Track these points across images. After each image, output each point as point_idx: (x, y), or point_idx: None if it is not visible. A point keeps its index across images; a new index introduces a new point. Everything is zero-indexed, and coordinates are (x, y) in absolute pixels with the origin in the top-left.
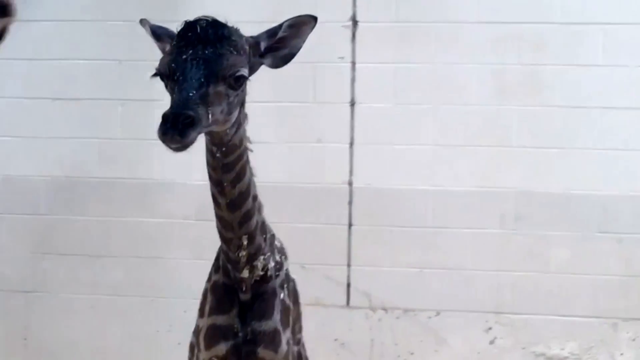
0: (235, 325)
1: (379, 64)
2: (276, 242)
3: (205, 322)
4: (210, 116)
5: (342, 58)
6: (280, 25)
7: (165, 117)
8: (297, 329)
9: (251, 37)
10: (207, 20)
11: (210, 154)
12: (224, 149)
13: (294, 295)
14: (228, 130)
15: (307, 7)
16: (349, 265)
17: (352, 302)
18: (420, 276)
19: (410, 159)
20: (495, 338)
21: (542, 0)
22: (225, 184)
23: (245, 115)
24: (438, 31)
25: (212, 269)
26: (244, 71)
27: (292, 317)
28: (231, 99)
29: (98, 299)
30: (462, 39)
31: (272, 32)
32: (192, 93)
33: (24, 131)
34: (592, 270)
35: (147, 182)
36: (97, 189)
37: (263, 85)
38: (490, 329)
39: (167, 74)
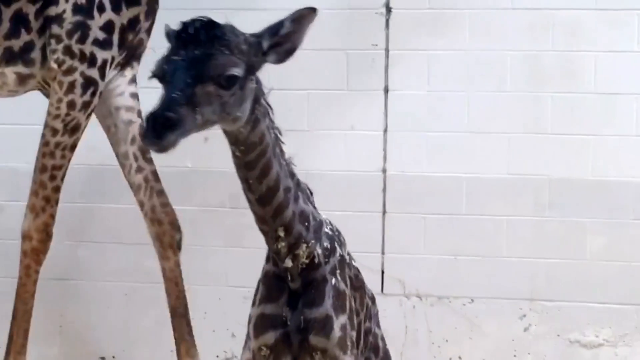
0: (284, 314)
1: (412, 51)
2: (325, 229)
3: (255, 311)
4: (199, 117)
5: (376, 45)
6: (281, 22)
7: (146, 119)
8: (363, 316)
9: (253, 35)
10: (201, 20)
11: (232, 153)
12: (242, 147)
13: (355, 281)
14: (242, 129)
15: None
16: (383, 252)
17: (386, 290)
18: (455, 263)
19: (444, 146)
20: (529, 325)
21: None
22: (250, 181)
23: (266, 111)
24: (472, 17)
25: (265, 258)
26: (235, 71)
27: (350, 303)
28: (225, 98)
29: (132, 287)
30: (496, 25)
31: (274, 30)
32: (177, 94)
33: None
34: (628, 257)
35: (181, 169)
36: None
37: (296, 73)
38: (524, 316)
39: (159, 75)
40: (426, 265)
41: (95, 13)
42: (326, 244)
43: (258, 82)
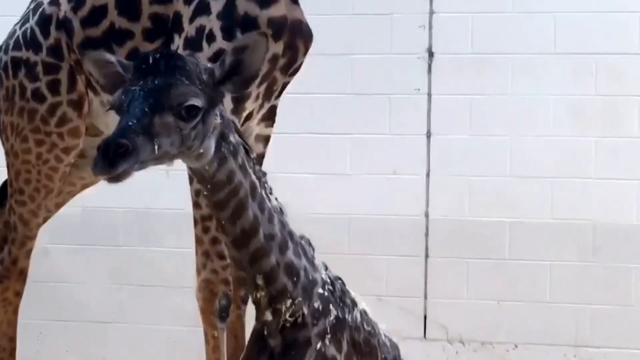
0: None
1: (455, 95)
2: (319, 289)
3: None
4: (156, 148)
5: (418, 90)
6: (226, 52)
7: (97, 147)
8: None
9: (210, 66)
10: (161, 52)
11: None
12: (209, 186)
13: (364, 346)
14: (207, 167)
15: (383, 40)
16: (425, 297)
17: (429, 335)
18: (498, 308)
19: (487, 190)
20: None
21: (620, 30)
22: (222, 221)
23: (236, 150)
24: (514, 62)
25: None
26: (195, 101)
27: None
28: (185, 131)
29: (175, 330)
30: (539, 70)
31: (222, 60)
32: (133, 122)
33: None
34: None
35: None
36: (172, 220)
37: (339, 118)
38: None
39: (117, 106)
40: (469, 311)
41: (205, 44)
42: (317, 304)
43: (223, 117)
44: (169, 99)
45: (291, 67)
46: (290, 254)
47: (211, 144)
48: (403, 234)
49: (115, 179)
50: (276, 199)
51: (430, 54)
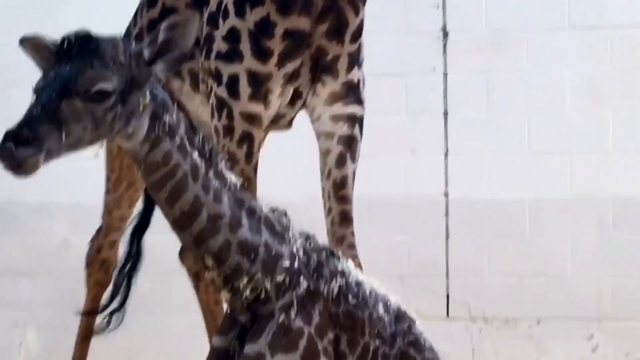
0: (232, 349)
1: (470, 74)
2: (285, 263)
3: (211, 343)
4: (64, 135)
5: (434, 69)
6: (158, 29)
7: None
8: (354, 357)
9: (135, 46)
10: (77, 35)
11: None
12: (142, 166)
13: (344, 319)
14: (139, 147)
15: (397, 20)
16: (447, 276)
17: (451, 313)
18: (520, 285)
19: (505, 167)
20: (597, 346)
21: (635, 3)
22: (159, 202)
23: (174, 130)
24: (529, 38)
25: None
26: (104, 85)
27: (312, 342)
28: (99, 114)
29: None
30: (554, 46)
31: (152, 38)
32: (37, 110)
33: None
34: None
35: None
36: None
37: None
38: (592, 336)
39: (35, 91)
40: (491, 288)
41: (220, 20)
42: (281, 278)
43: (156, 97)
44: (77, 84)
45: (342, 31)
46: (243, 232)
47: (141, 123)
48: (423, 214)
49: (19, 169)
50: (236, 175)
51: (445, 33)
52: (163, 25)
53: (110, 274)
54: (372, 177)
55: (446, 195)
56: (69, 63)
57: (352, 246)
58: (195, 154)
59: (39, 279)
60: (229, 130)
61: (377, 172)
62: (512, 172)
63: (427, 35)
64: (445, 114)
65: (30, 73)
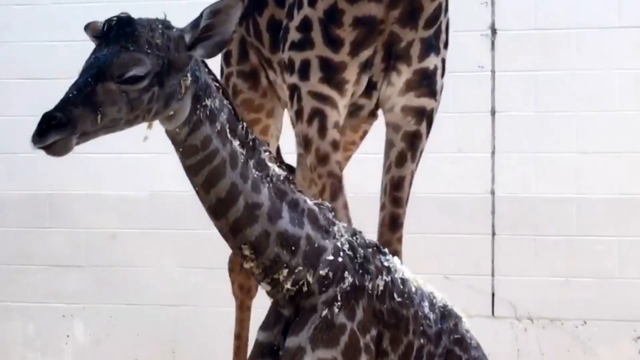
0: (276, 343)
1: (519, 72)
2: (329, 256)
3: (256, 338)
4: (99, 117)
5: (482, 67)
6: (201, 14)
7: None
8: (396, 356)
9: (177, 30)
10: (118, 18)
11: None
12: (180, 149)
13: (389, 316)
14: (179, 130)
15: None
16: (492, 275)
17: (496, 312)
18: (566, 285)
19: (553, 166)
20: None
21: None
22: (196, 187)
23: (215, 115)
24: (579, 37)
25: None
26: (137, 69)
27: (354, 339)
28: (133, 95)
29: None
30: (604, 44)
31: (195, 23)
32: (73, 93)
33: (170, 148)
34: None
35: None
36: None
37: None
38: (639, 337)
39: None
40: (537, 288)
41: (295, 11)
42: (325, 271)
43: (198, 80)
44: (111, 67)
45: (416, 16)
46: (283, 223)
47: (183, 105)
48: (469, 212)
49: (50, 150)
50: (283, 167)
51: (494, 31)
52: (205, 11)
53: (252, 278)
54: (419, 174)
55: (492, 193)
56: (107, 46)
57: (396, 253)
58: (236, 143)
59: (87, 271)
60: (299, 112)
61: (423, 170)
62: (560, 171)
63: (475, 33)
64: (493, 112)
65: None
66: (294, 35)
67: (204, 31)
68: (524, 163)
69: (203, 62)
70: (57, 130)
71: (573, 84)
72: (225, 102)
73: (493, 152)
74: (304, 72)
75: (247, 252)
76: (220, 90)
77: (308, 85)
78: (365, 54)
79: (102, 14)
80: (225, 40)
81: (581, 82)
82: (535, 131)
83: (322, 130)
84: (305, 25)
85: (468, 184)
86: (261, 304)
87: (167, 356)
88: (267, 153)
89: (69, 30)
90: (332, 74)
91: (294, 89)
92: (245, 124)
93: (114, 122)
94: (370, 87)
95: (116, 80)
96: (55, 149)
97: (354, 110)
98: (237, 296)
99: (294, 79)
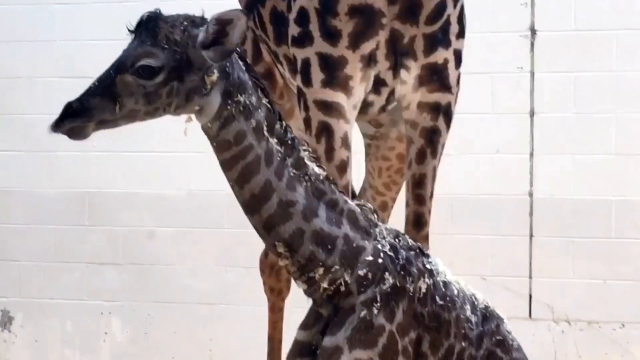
0: (315, 342)
1: (558, 73)
2: (369, 257)
3: (294, 337)
4: (118, 107)
5: (521, 68)
6: (211, 20)
7: None
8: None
9: (197, 29)
10: (148, 13)
11: None
12: (214, 143)
13: (429, 319)
14: (210, 124)
15: (484, 18)
16: (530, 276)
17: (534, 314)
18: (604, 287)
19: (592, 168)
20: None
21: None
22: (230, 182)
23: (250, 111)
24: (619, 38)
25: None
26: (149, 61)
27: (392, 341)
28: (150, 89)
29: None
30: None
31: (207, 26)
32: (95, 84)
33: (207, 147)
34: None
35: None
36: None
37: None
38: None
39: None
40: (575, 290)
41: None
42: (363, 272)
43: (228, 76)
44: (127, 60)
45: (416, 12)
46: (319, 222)
47: (210, 100)
48: (507, 214)
49: (70, 135)
50: (321, 167)
51: (533, 32)
52: (212, 18)
53: (282, 280)
54: (457, 175)
55: (531, 195)
56: (133, 42)
57: None
58: (274, 141)
59: (125, 269)
60: (307, 122)
61: (461, 171)
62: (599, 173)
63: (514, 34)
64: (532, 113)
65: None
66: (293, 30)
67: (214, 36)
68: (563, 165)
69: (241, 58)
70: (72, 118)
71: (612, 85)
72: (263, 100)
73: (532, 154)
74: (306, 74)
75: (281, 250)
76: (259, 88)
77: (312, 92)
78: (366, 47)
79: (143, 12)
80: (230, 50)
81: (621, 83)
82: (574, 133)
83: (330, 152)
84: (302, 17)
85: (506, 185)
86: (300, 304)
87: (204, 354)
88: (307, 152)
89: (111, 28)
90: (333, 72)
91: (300, 95)
92: (284, 123)
93: (133, 112)
94: (378, 84)
95: (131, 71)
96: (72, 134)
97: (363, 107)
98: (269, 298)
99: (298, 81)
